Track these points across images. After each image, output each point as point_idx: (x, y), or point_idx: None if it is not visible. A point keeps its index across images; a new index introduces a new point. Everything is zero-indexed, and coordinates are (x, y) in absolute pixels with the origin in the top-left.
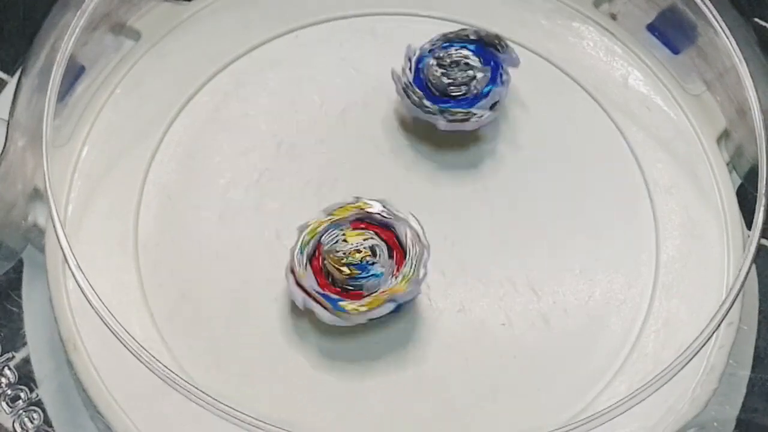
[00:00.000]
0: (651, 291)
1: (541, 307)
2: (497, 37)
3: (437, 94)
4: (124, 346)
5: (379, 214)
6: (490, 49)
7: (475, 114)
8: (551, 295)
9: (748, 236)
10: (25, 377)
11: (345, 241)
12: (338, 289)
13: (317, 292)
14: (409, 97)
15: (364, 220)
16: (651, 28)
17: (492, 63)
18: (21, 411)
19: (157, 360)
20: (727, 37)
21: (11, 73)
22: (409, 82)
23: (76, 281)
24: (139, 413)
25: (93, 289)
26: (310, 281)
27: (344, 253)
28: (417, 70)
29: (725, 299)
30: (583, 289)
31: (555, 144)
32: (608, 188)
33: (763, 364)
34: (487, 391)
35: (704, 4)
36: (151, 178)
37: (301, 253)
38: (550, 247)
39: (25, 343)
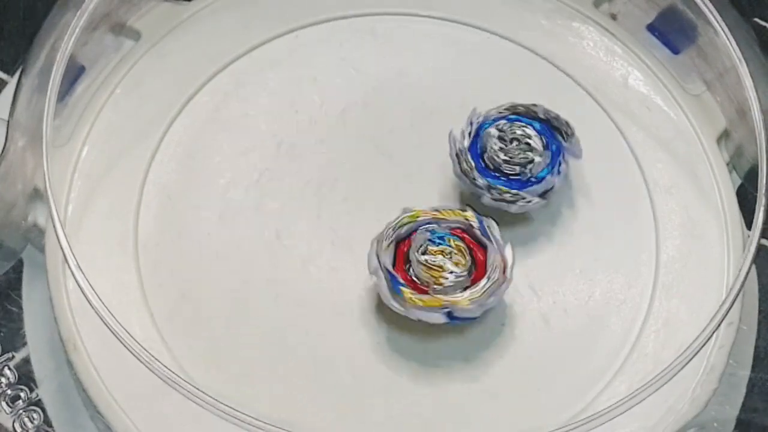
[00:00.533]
0: (651, 291)
1: (541, 307)
2: (567, 123)
3: (490, 167)
4: (124, 346)
5: (479, 230)
6: (555, 133)
7: (523, 198)
8: (551, 295)
9: (748, 236)
10: (25, 377)
11: (442, 252)
12: (410, 278)
13: (387, 269)
14: (460, 164)
15: (465, 231)
16: (651, 28)
17: (554, 148)
18: (21, 411)
19: (157, 360)
20: (727, 37)
21: (11, 73)
22: (464, 149)
23: (76, 281)
24: (139, 413)
25: (93, 289)
26: (386, 258)
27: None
28: (476, 135)
29: (725, 299)
30: (583, 289)
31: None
32: (608, 188)
33: (763, 364)
34: (487, 391)
35: (704, 4)
36: (151, 178)
37: (394, 230)
38: (550, 247)
39: (25, 343)
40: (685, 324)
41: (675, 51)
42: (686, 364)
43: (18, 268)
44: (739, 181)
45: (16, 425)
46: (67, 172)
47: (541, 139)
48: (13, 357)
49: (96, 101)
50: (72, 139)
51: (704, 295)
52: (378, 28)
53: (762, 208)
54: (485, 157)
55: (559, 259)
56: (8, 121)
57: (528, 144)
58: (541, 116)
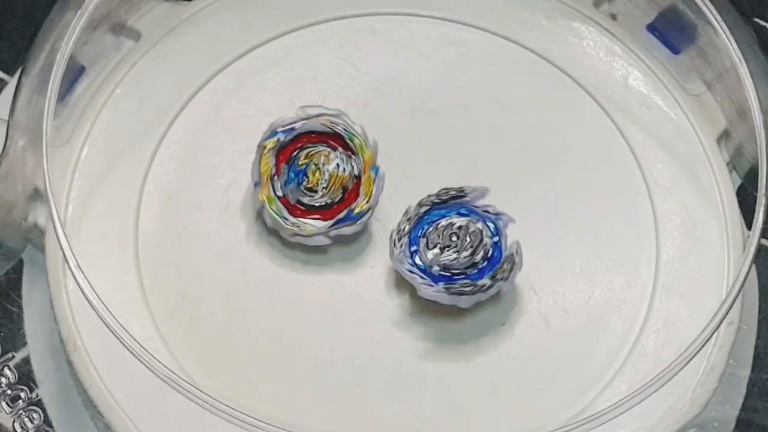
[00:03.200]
0: (651, 291)
1: (541, 307)
2: (444, 191)
3: (465, 270)
4: (124, 346)
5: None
6: (451, 203)
7: (513, 254)
8: (551, 295)
9: (748, 236)
10: (25, 377)
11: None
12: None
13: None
14: (462, 294)
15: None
16: (651, 28)
17: (466, 210)
18: (21, 411)
19: (157, 360)
20: (727, 37)
21: (11, 73)
22: (446, 287)
23: (76, 281)
24: (139, 413)
25: (93, 289)
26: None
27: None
28: (427, 274)
29: (725, 299)
30: (583, 289)
31: (555, 144)
32: (608, 188)
33: (763, 364)
34: (487, 391)
35: (704, 4)
36: (151, 178)
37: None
38: (550, 247)
39: (25, 343)
40: (685, 324)
41: (675, 51)
42: (686, 364)
43: (18, 268)
44: (739, 181)
45: (16, 425)
46: (67, 172)
47: (459, 214)
48: (13, 357)
49: (96, 101)
50: (72, 139)
51: (704, 295)
52: (378, 28)
53: (762, 208)
54: (453, 272)
55: (559, 259)
56: (8, 121)
57: (460, 227)
58: (422, 210)
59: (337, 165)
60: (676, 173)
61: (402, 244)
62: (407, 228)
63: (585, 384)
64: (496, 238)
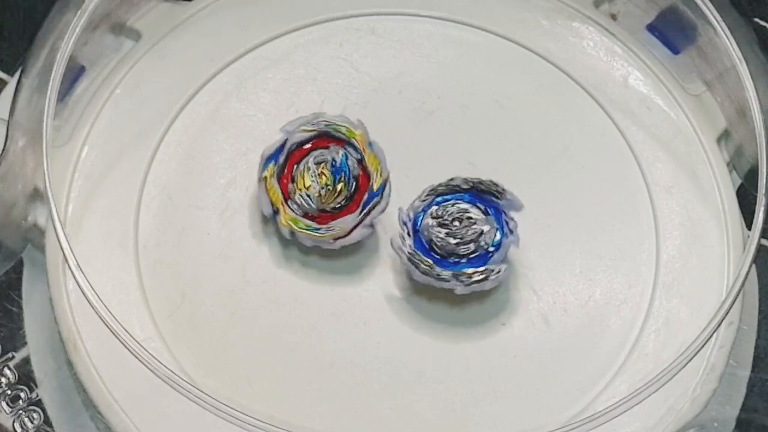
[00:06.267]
0: (651, 291)
1: (541, 307)
2: (493, 183)
3: (445, 255)
4: (124, 346)
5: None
6: (486, 197)
7: (492, 270)
8: (551, 295)
9: (748, 236)
10: (25, 377)
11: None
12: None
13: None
14: (417, 267)
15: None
16: (651, 28)
17: (493, 211)
18: (21, 411)
19: (157, 360)
20: (727, 37)
21: (11, 73)
22: (414, 251)
23: (76, 281)
24: (139, 413)
25: (93, 289)
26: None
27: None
28: (416, 233)
29: (725, 299)
30: (583, 289)
31: (555, 144)
32: (608, 188)
33: (763, 364)
34: (487, 391)
35: (704, 4)
36: (151, 178)
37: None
38: (550, 247)
39: (25, 343)
40: (685, 324)
41: (675, 51)
42: (686, 364)
43: (18, 268)
44: (739, 181)
45: (16, 425)
46: (67, 172)
47: (477, 207)
48: (13, 357)
49: (96, 101)
50: (72, 139)
51: (704, 295)
52: (378, 28)
53: (762, 208)
54: (436, 249)
55: (559, 259)
56: (8, 121)
57: (469, 218)
58: (464, 186)
59: (333, 160)
60: (676, 173)
61: (413, 207)
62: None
63: (585, 384)
64: (492, 248)
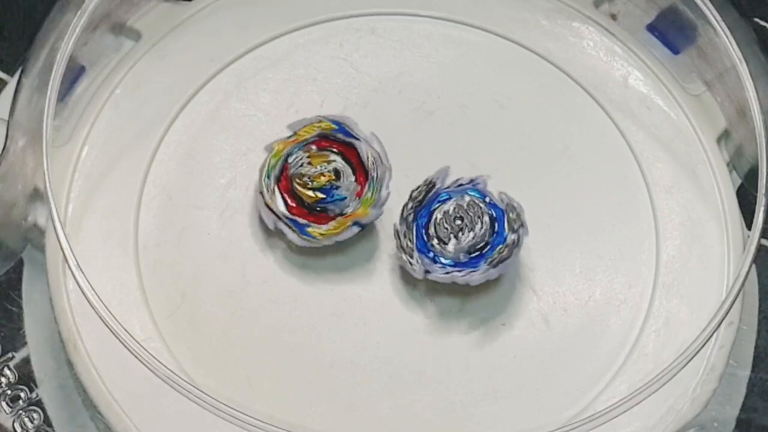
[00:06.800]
0: (651, 291)
1: (541, 307)
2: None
3: (481, 248)
4: (124, 346)
5: (342, 133)
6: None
7: (514, 239)
8: (551, 295)
9: (748, 236)
10: (25, 377)
11: (310, 164)
12: (306, 211)
13: (286, 217)
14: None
15: (329, 138)
16: (651, 28)
17: (456, 192)
18: (21, 411)
19: (157, 360)
20: (727, 37)
21: (11, 73)
22: (461, 270)
23: (76, 281)
24: (139, 413)
25: (93, 289)
26: (279, 206)
27: (309, 177)
28: (435, 262)
29: (725, 299)
30: (583, 289)
31: (555, 144)
32: (608, 188)
33: (763, 364)
34: (487, 391)
35: (704, 4)
36: (151, 178)
37: (269, 177)
38: (550, 247)
39: (25, 343)
40: (685, 324)
41: (675, 51)
42: (686, 364)
43: (18, 268)
44: (739, 181)
45: (16, 425)
46: (67, 172)
47: (489, 211)
48: (13, 357)
49: (96, 101)
50: (72, 139)
51: (704, 295)
52: (378, 28)
53: (762, 208)
54: (468, 252)
55: (559, 259)
56: (8, 121)
57: (479, 216)
58: (420, 198)
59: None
60: (676, 173)
61: (416, 259)
62: (410, 239)
63: (585, 384)
64: (487, 199)
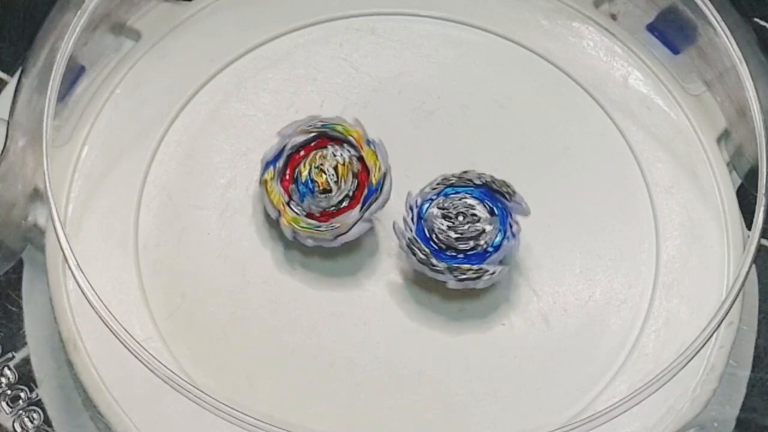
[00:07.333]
0: (651, 291)
1: (541, 307)
2: (505, 184)
3: (443, 247)
4: (124, 346)
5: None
6: (496, 196)
7: (486, 271)
8: (551, 295)
9: (748, 236)
10: (25, 377)
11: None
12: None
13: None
14: (414, 254)
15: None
16: (651, 28)
17: (500, 212)
18: (21, 411)
19: (157, 360)
20: (727, 37)
21: (11, 73)
22: (414, 237)
23: (76, 281)
24: (139, 413)
25: (93, 289)
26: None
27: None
28: (420, 220)
29: (725, 299)
30: (583, 289)
31: (555, 144)
32: (608, 188)
33: (763, 364)
34: (487, 391)
35: (704, 4)
36: (151, 178)
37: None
38: (550, 247)
39: (25, 343)
40: (685, 324)
41: (675, 51)
42: (686, 364)
43: (18, 268)
44: (739, 181)
45: (16, 425)
46: (67, 172)
47: (484, 206)
48: (13, 357)
49: (96, 101)
50: (72, 139)
51: (704, 295)
52: (378, 28)
53: (762, 208)
54: (435, 239)
55: (559, 259)
56: (8, 121)
57: (474, 215)
58: (476, 182)
59: (333, 154)
60: (676, 173)
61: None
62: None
63: (585, 384)
64: (491, 249)
